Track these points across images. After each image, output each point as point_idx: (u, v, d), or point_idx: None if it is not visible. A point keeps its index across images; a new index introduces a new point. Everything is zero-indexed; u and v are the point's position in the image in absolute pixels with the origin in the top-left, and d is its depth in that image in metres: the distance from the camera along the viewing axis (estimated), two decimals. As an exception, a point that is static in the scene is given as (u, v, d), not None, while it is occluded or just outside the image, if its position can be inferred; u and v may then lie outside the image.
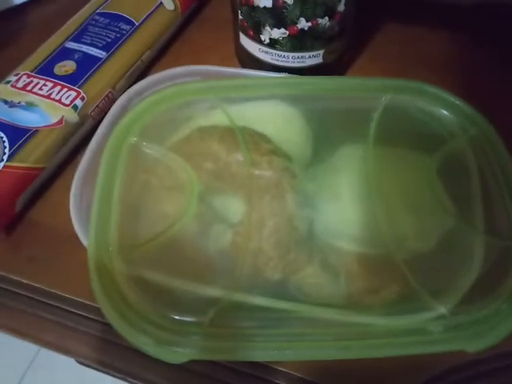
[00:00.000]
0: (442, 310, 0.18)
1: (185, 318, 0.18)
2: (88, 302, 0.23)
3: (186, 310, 0.18)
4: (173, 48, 0.36)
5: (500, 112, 0.23)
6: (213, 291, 0.18)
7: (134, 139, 0.22)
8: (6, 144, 0.26)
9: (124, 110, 0.25)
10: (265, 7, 0.26)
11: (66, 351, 0.24)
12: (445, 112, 0.23)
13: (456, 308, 0.18)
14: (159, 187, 0.21)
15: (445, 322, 0.18)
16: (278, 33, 0.27)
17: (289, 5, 0.25)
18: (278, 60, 0.29)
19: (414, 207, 0.22)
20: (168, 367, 0.22)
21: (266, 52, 0.29)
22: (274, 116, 0.24)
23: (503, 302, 0.18)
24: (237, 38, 0.31)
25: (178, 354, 0.17)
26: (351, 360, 0.19)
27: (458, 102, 0.23)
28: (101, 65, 0.30)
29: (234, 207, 0.22)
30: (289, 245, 0.21)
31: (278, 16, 0.26)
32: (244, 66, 0.32)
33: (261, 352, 0.17)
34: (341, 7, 0.26)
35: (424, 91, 0.23)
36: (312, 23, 0.26)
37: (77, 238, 0.22)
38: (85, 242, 0.21)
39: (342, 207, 0.22)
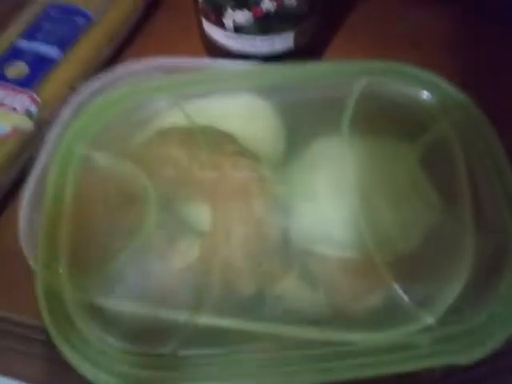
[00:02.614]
0: (429, 319, 0.16)
1: (144, 350, 0.16)
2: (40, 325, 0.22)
3: (146, 340, 0.16)
4: (137, 40, 0.33)
5: (488, 93, 0.21)
6: (176, 315, 0.17)
7: (84, 149, 0.20)
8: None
9: (75, 114, 0.22)
10: (223, -12, 0.23)
11: (18, 377, 0.23)
12: (426, 94, 0.21)
13: (445, 316, 0.16)
14: (114, 201, 0.19)
15: (433, 334, 0.16)
16: (241, 16, 0.25)
17: (248, -16, 0.23)
18: (244, 46, 0.27)
19: (396, 203, 0.20)
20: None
21: (231, 38, 0.27)
22: (239, 111, 0.22)
23: (498, 305, 0.16)
24: (200, 26, 0.28)
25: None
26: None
27: (440, 82, 0.21)
28: (56, 64, 0.28)
29: (199, 216, 0.20)
30: (261, 255, 0.19)
31: (238, -3, 0.24)
32: (211, 54, 0.30)
33: (232, 382, 0.16)
34: (307, -17, 0.24)
35: (403, 72, 0.21)
36: (277, 3, 0.24)
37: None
38: (34, 265, 0.19)
39: (318, 209, 0.20)
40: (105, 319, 0.17)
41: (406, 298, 0.17)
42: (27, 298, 0.18)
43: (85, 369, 0.15)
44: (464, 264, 0.17)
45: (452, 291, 0.17)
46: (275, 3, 0.24)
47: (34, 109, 0.26)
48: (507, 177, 0.19)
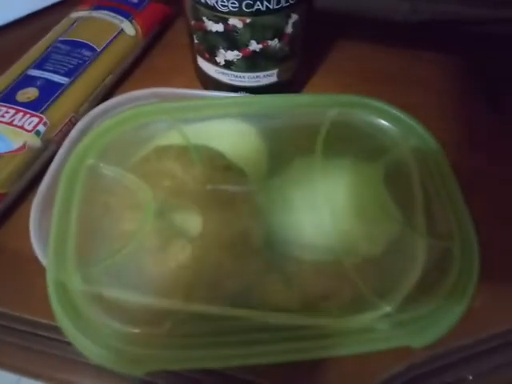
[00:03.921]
0: (388, 308, 0.19)
1: (143, 331, 0.18)
2: (52, 323, 0.24)
3: (144, 323, 0.18)
4: (135, 72, 0.37)
5: (442, 124, 0.25)
6: (170, 303, 0.19)
7: (92, 161, 0.22)
8: (-32, 171, 0.26)
9: (83, 133, 0.25)
10: (217, 31, 0.27)
11: (34, 375, 0.24)
12: (387, 124, 0.25)
13: (401, 306, 0.19)
14: (117, 207, 0.22)
15: (390, 320, 0.19)
16: (231, 55, 0.29)
17: (239, 29, 0.26)
18: (234, 80, 0.31)
19: (362, 214, 0.23)
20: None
21: (223, 73, 0.30)
22: (229, 134, 0.25)
23: (444, 298, 0.19)
24: (195, 62, 0.32)
25: (138, 367, 0.18)
26: (309, 362, 0.20)
27: (400, 114, 0.25)
28: (63, 90, 0.31)
29: (191, 222, 0.22)
30: (245, 256, 0.22)
31: (230, 39, 0.27)
32: (204, 86, 0.34)
33: (218, 360, 0.18)
34: (288, 29, 0.28)
35: (367, 105, 0.25)
36: (263, 45, 0.28)
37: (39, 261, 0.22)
38: (45, 262, 0.21)
39: (295, 217, 0.23)
40: (107, 306, 0.19)
41: (369, 291, 0.20)
42: (38, 297, 0.20)
43: (91, 351, 0.18)
44: (417, 263, 0.20)
45: (407, 285, 0.20)
46: (261, 45, 0.28)
47: (42, 128, 0.29)
48: (454, 192, 0.22)
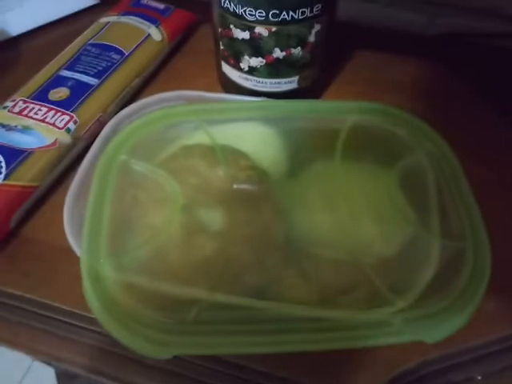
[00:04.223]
0: (402, 304, 0.20)
1: (170, 317, 0.19)
2: (81, 312, 0.25)
3: (171, 310, 0.20)
4: (160, 75, 0.39)
5: (454, 132, 0.26)
6: (195, 292, 0.20)
7: (124, 157, 0.24)
8: (3, 164, 0.28)
9: (114, 131, 0.27)
10: (243, 39, 0.29)
11: (59, 360, 0.25)
12: (404, 130, 0.26)
13: (414, 303, 0.20)
14: (146, 201, 0.23)
15: (404, 315, 0.20)
16: (255, 61, 0.30)
17: (264, 36, 0.28)
18: (256, 85, 0.32)
19: (379, 216, 0.24)
20: (160, 372, 0.24)
21: (246, 78, 0.32)
22: (252, 136, 0.27)
23: (456, 297, 0.20)
24: (219, 66, 0.34)
25: (165, 350, 0.19)
26: (324, 355, 0.21)
27: (416, 121, 0.26)
28: (93, 91, 0.33)
29: (215, 218, 0.24)
30: (266, 251, 0.23)
31: (255, 46, 0.29)
32: (226, 91, 0.35)
33: (237, 346, 0.19)
34: (311, 38, 0.29)
35: (385, 112, 0.26)
36: (286, 52, 0.29)
37: (69, 251, 0.23)
38: (78, 252, 0.22)
39: (314, 217, 0.24)
40: (137, 294, 0.20)
41: (384, 288, 0.21)
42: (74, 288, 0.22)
43: (123, 336, 0.19)
44: (431, 263, 0.21)
45: (421, 283, 0.21)
46: (284, 53, 0.29)
47: (72, 126, 0.31)
48: (467, 195, 0.23)
